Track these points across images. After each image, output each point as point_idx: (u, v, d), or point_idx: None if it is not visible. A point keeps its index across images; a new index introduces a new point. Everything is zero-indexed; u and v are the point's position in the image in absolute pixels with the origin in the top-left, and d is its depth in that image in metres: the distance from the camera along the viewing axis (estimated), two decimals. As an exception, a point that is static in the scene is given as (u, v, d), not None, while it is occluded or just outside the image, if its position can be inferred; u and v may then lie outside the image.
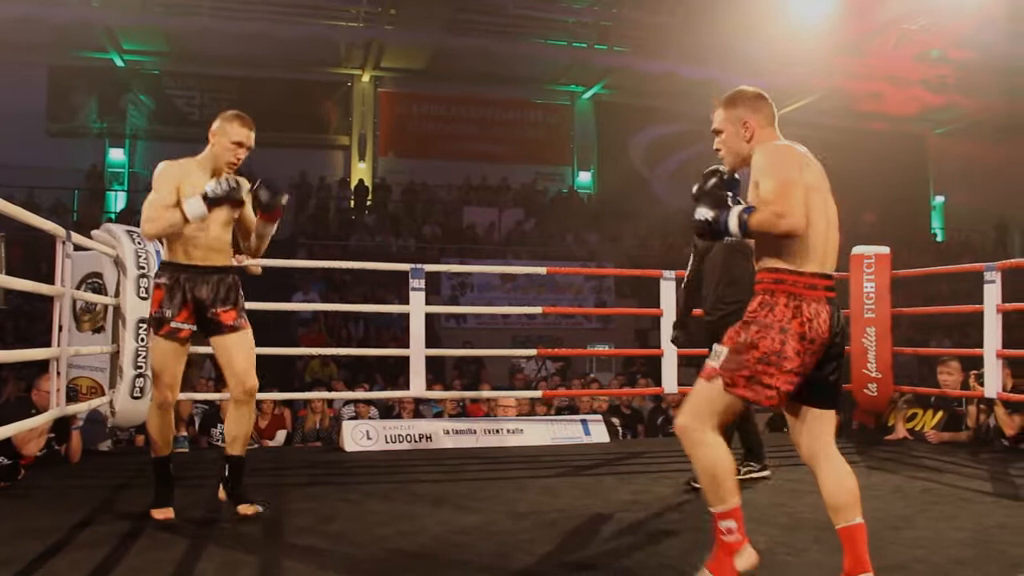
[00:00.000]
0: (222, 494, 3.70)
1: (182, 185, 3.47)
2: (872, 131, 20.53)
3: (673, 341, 5.13)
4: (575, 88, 20.31)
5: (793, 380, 2.50)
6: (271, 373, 9.03)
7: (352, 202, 18.21)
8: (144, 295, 5.07)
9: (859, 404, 6.67)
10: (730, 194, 2.69)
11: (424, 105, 19.80)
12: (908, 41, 17.19)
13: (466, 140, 19.77)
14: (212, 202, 3.42)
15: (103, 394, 5.25)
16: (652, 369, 9.58)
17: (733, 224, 2.54)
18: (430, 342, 6.05)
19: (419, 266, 5.95)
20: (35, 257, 11.18)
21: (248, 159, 3.66)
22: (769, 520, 3.60)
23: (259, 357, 5.61)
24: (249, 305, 5.91)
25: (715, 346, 2.60)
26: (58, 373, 4.41)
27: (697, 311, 4.88)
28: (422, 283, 5.92)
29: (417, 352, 5.84)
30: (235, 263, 3.83)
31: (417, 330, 5.84)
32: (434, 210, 18.16)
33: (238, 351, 3.63)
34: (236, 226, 3.73)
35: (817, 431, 2.65)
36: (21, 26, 14.94)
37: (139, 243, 5.19)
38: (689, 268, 4.86)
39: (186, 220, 3.41)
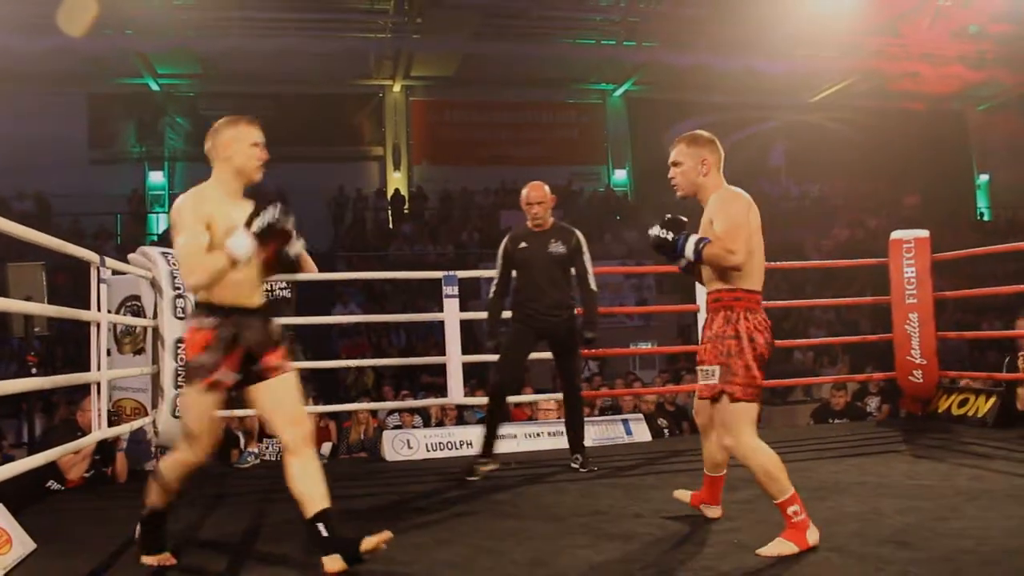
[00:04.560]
0: (334, 564, 2.90)
1: (214, 218, 2.96)
2: (911, 111, 20.18)
3: (495, 350, 5.12)
4: (606, 86, 20.23)
5: (762, 374, 3.09)
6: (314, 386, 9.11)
7: (389, 212, 18.31)
8: (181, 315, 5.14)
9: (905, 392, 6.53)
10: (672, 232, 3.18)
11: (456, 112, 19.86)
12: (945, 18, 16.87)
13: (499, 144, 19.77)
14: (261, 236, 2.89)
15: (146, 415, 5.33)
16: (695, 365, 9.49)
17: (690, 249, 3.10)
18: (472, 348, 6.06)
19: (451, 273, 5.97)
20: (81, 283, 11.40)
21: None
22: (811, 515, 3.52)
23: (301, 370, 5.68)
24: (288, 320, 6.02)
25: (704, 368, 3.15)
26: (99, 396, 4.48)
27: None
28: (455, 290, 5.94)
29: (454, 359, 5.85)
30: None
31: (453, 337, 5.85)
32: (471, 216, 18.19)
33: (289, 394, 3.10)
34: None
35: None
36: (59, 56, 15.24)
37: (174, 264, 5.25)
38: (499, 276, 5.10)
39: (233, 264, 2.88)
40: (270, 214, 2.89)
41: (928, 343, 6.28)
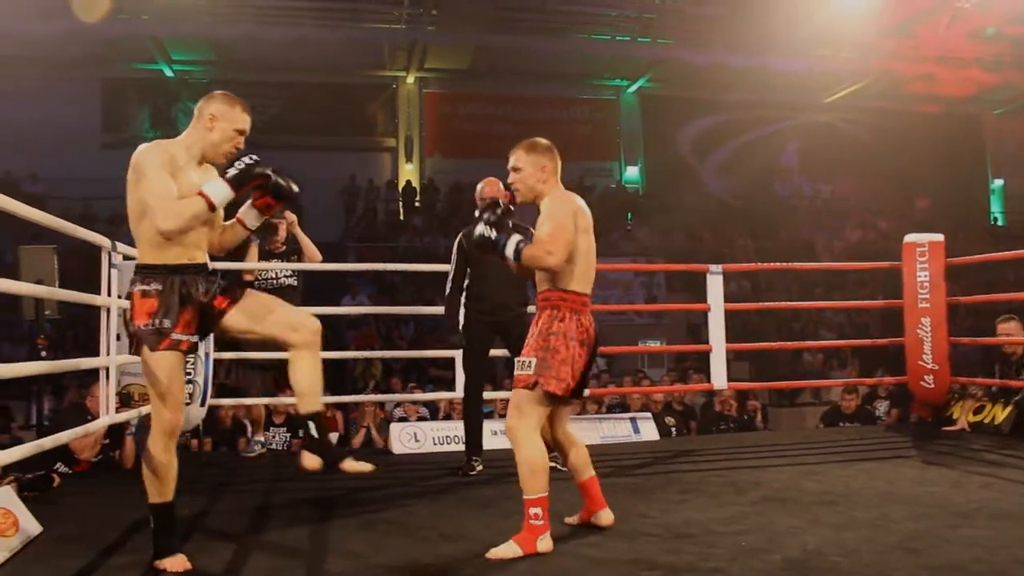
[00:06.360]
0: (311, 462, 3.04)
1: (174, 173, 2.98)
2: (925, 114, 20.05)
3: (460, 343, 5.11)
4: (620, 82, 20.15)
5: (578, 376, 3.21)
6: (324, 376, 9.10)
7: (400, 204, 18.30)
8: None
9: (916, 397, 6.48)
10: (510, 222, 3.30)
11: (469, 105, 19.83)
12: (962, 19, 16.77)
13: (512, 138, 19.12)
14: (238, 182, 2.98)
15: (155, 401, 5.31)
16: (705, 364, 9.46)
17: (510, 249, 3.21)
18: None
19: (461, 267, 5.93)
20: (92, 268, 11.42)
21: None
22: (820, 520, 3.52)
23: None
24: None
25: (521, 359, 3.23)
26: (108, 381, 4.48)
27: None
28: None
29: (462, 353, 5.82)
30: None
31: (461, 331, 5.82)
32: (481, 209, 18.14)
33: (268, 303, 3.11)
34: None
35: (564, 416, 3.50)
36: (74, 39, 15.28)
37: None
38: (454, 271, 5.09)
39: (211, 208, 2.94)
40: (246, 161, 3.01)
41: (940, 348, 6.22)
